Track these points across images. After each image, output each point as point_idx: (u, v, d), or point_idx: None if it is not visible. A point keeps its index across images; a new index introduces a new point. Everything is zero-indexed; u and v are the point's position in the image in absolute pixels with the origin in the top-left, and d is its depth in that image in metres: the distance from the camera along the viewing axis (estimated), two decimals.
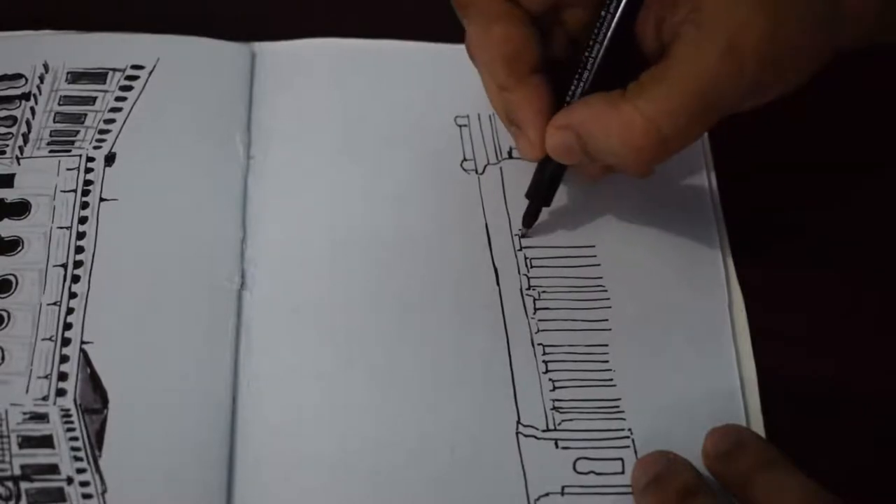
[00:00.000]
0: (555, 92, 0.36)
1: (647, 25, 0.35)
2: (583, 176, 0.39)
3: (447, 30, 0.39)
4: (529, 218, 0.39)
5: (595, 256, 0.39)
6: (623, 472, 0.35)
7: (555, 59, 0.37)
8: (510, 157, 0.41)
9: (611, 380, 0.37)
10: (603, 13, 0.35)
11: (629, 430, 0.35)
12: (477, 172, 0.41)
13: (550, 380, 0.36)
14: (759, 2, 0.33)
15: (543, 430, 0.35)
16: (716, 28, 0.33)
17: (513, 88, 0.36)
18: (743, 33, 0.33)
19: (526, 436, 0.35)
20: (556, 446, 0.35)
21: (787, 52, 0.34)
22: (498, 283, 0.38)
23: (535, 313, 0.38)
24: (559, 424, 0.36)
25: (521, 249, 0.39)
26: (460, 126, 0.42)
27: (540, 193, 0.38)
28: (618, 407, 0.36)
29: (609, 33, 0.35)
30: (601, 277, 0.39)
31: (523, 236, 0.39)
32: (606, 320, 0.38)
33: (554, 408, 0.36)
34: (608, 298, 0.38)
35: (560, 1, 0.37)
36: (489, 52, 0.36)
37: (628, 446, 0.35)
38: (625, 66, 0.35)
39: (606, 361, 0.37)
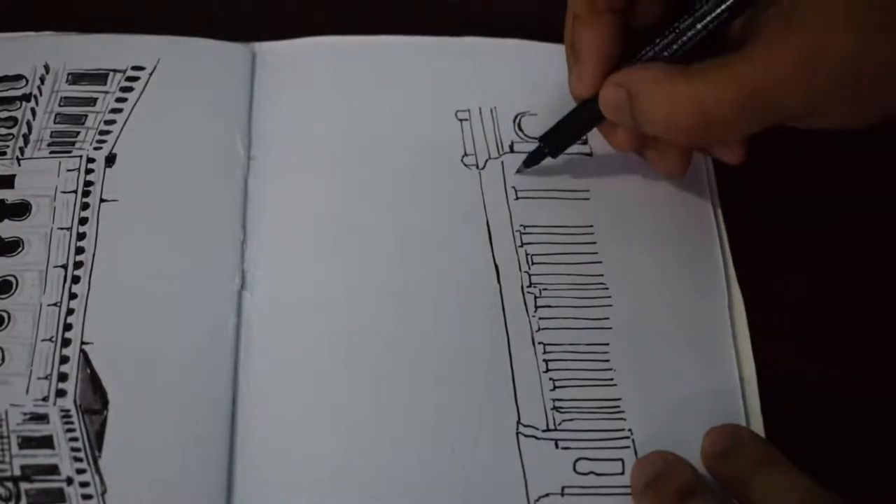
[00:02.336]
0: (624, 39, 0.36)
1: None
2: (611, 143, 0.38)
3: (447, 24, 0.39)
4: (532, 160, 0.39)
5: (596, 254, 0.39)
6: (623, 473, 0.34)
7: (641, 16, 0.37)
8: (511, 151, 0.41)
9: (611, 379, 0.36)
10: None
11: (629, 430, 0.35)
12: (478, 167, 0.41)
13: (551, 379, 0.36)
14: (853, 18, 0.32)
15: (544, 430, 0.35)
16: (800, 33, 0.32)
17: (584, 18, 0.36)
18: (826, 47, 0.32)
19: (526, 436, 0.35)
20: (557, 446, 0.35)
21: (867, 79, 0.32)
22: (499, 281, 0.38)
23: (535, 311, 0.38)
24: (559, 424, 0.35)
25: (521, 246, 0.39)
26: (461, 120, 0.42)
27: (556, 140, 0.39)
28: (618, 407, 0.36)
29: (710, 16, 0.35)
30: (602, 275, 0.38)
31: (518, 172, 0.40)
32: (607, 318, 0.37)
33: (554, 407, 0.36)
34: (609, 297, 0.38)
35: None
36: None
37: (628, 447, 0.35)
38: (703, 45, 0.35)
39: (607, 361, 0.37)
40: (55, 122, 0.41)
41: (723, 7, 0.35)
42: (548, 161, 0.40)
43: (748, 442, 0.34)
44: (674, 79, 0.34)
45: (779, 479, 0.32)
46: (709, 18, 0.35)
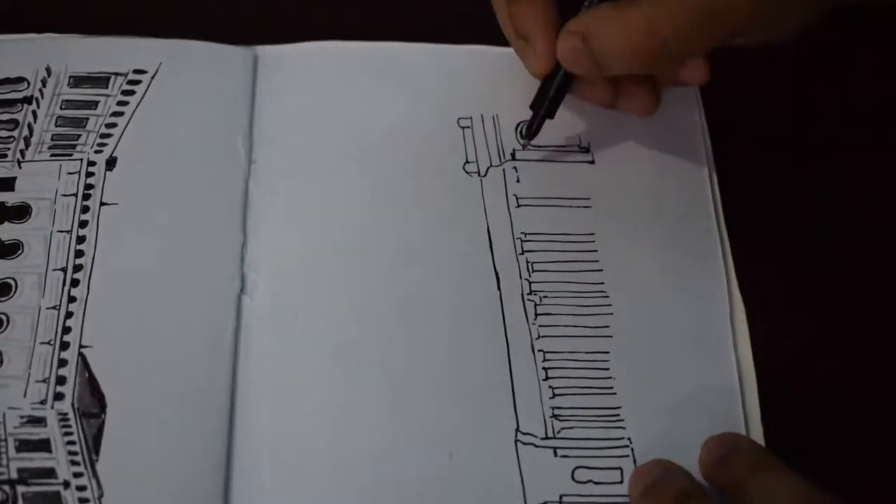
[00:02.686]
0: (559, 8, 0.38)
1: None
2: (592, 100, 0.40)
3: (449, 31, 0.39)
4: (531, 129, 0.40)
5: (597, 262, 0.39)
6: (622, 482, 0.34)
7: None
8: (513, 158, 0.41)
9: (611, 388, 0.36)
10: None
11: (628, 438, 0.35)
12: (479, 175, 0.41)
13: (550, 387, 0.36)
14: None
15: (542, 438, 0.35)
16: None
17: (521, 1, 0.38)
18: None
19: (525, 444, 0.35)
20: (555, 455, 0.35)
21: None
22: (499, 288, 0.38)
23: (535, 319, 0.37)
24: (558, 432, 0.35)
25: (522, 253, 0.39)
26: (463, 128, 0.42)
27: (545, 104, 0.39)
28: (618, 415, 0.36)
29: None
30: (603, 283, 0.38)
31: (523, 147, 0.40)
32: (608, 327, 0.37)
33: (553, 415, 0.36)
34: (609, 305, 0.38)
35: None
36: None
37: (627, 455, 0.35)
38: None
39: (607, 369, 0.36)
40: (56, 125, 0.41)
41: None
42: (549, 167, 0.39)
43: (745, 448, 0.34)
44: (624, 10, 0.36)
45: (776, 483, 0.32)
46: None
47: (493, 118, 0.42)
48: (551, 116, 0.40)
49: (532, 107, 0.40)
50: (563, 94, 0.39)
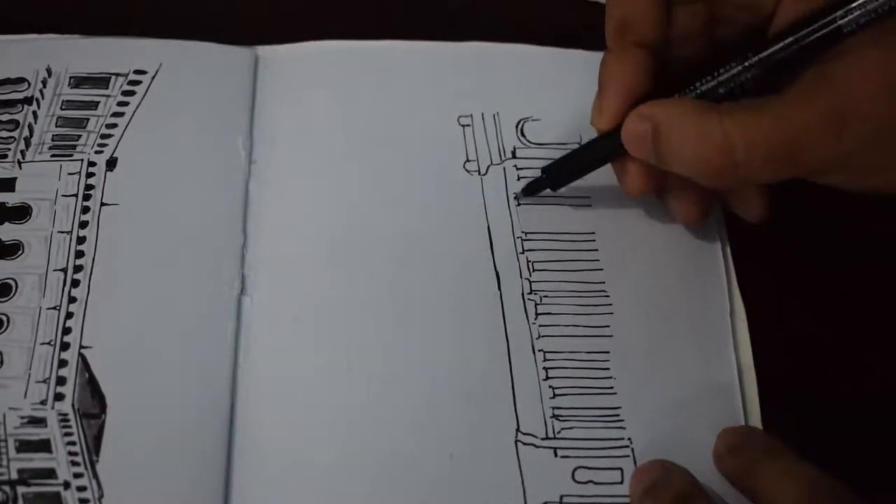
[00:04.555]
0: (653, 78, 0.36)
1: None
2: (623, 186, 0.37)
3: (450, 29, 0.38)
4: (533, 189, 0.39)
5: (598, 261, 0.39)
6: (622, 482, 0.34)
7: (679, 48, 0.36)
8: (513, 156, 0.41)
9: (611, 388, 0.36)
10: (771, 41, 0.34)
11: (629, 439, 0.35)
12: (479, 173, 0.41)
13: (551, 387, 0.36)
14: (887, 80, 0.32)
15: (542, 439, 0.35)
16: (833, 86, 0.32)
17: (613, 52, 0.36)
18: (857, 105, 0.32)
19: (525, 444, 0.35)
20: (556, 455, 0.35)
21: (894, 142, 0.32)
22: (499, 288, 0.38)
23: (536, 318, 0.37)
24: (558, 433, 0.35)
25: (523, 253, 0.39)
26: (463, 126, 0.42)
27: (560, 172, 0.38)
28: (618, 415, 0.36)
29: (757, 70, 0.34)
30: (603, 283, 0.38)
31: (517, 199, 0.39)
32: (608, 326, 0.37)
33: (554, 416, 0.36)
34: (610, 304, 0.38)
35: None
36: (610, 8, 0.36)
37: (628, 455, 0.35)
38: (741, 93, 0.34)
39: (607, 369, 0.36)
40: (57, 126, 0.41)
41: (767, 61, 0.34)
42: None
43: (755, 436, 0.34)
44: (705, 113, 0.33)
45: (786, 467, 0.32)
46: (754, 70, 0.34)
47: (494, 116, 0.42)
48: (555, 188, 0.38)
49: (545, 169, 0.38)
50: (588, 171, 0.38)
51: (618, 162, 0.37)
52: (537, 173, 0.40)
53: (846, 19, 0.33)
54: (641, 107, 0.35)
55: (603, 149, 0.37)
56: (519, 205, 0.39)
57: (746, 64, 0.34)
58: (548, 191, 0.39)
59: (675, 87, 0.35)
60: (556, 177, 0.38)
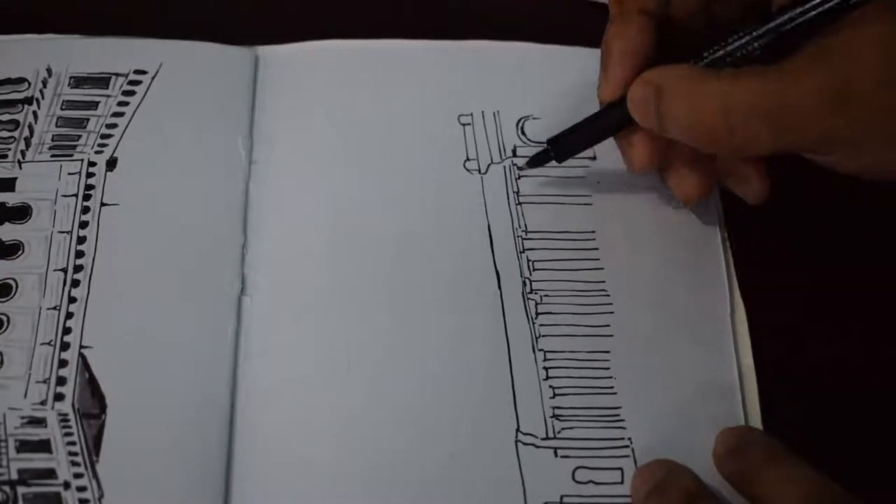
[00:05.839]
0: (657, 44, 0.35)
1: None
2: (627, 159, 0.37)
3: (449, 27, 0.38)
4: (536, 161, 0.38)
5: (598, 260, 0.38)
6: (622, 482, 0.34)
7: (678, 18, 0.36)
8: (514, 155, 0.41)
9: (612, 387, 0.36)
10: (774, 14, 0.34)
11: (629, 439, 0.35)
12: (480, 172, 0.41)
13: (551, 387, 0.36)
14: (887, 58, 0.32)
15: (543, 439, 0.35)
16: (833, 59, 0.32)
17: (616, 20, 0.36)
18: (854, 80, 0.32)
19: (525, 444, 0.35)
20: (556, 455, 0.35)
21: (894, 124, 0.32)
22: (499, 287, 0.38)
23: (536, 318, 0.37)
24: (559, 433, 0.35)
25: (523, 252, 0.39)
26: (463, 125, 0.41)
27: (565, 144, 0.37)
28: (618, 415, 0.35)
29: (763, 40, 0.34)
30: (604, 282, 0.38)
31: (520, 169, 0.39)
32: (608, 326, 0.37)
33: (554, 415, 0.35)
34: (611, 304, 0.38)
35: None
36: None
37: (628, 455, 0.35)
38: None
39: (608, 369, 0.36)
40: (57, 126, 0.41)
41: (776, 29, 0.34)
42: (550, 166, 0.39)
43: (757, 439, 0.34)
44: (703, 76, 0.34)
45: (787, 472, 0.32)
46: (761, 40, 0.34)
47: (494, 114, 0.41)
48: (560, 160, 0.38)
49: (550, 140, 0.38)
50: (593, 143, 0.37)
51: (623, 136, 0.37)
52: (538, 172, 0.40)
53: None
54: (646, 73, 0.35)
55: (609, 119, 0.36)
56: (520, 177, 0.39)
57: (754, 34, 0.34)
58: (548, 189, 0.39)
59: (683, 57, 0.35)
60: (561, 148, 0.38)
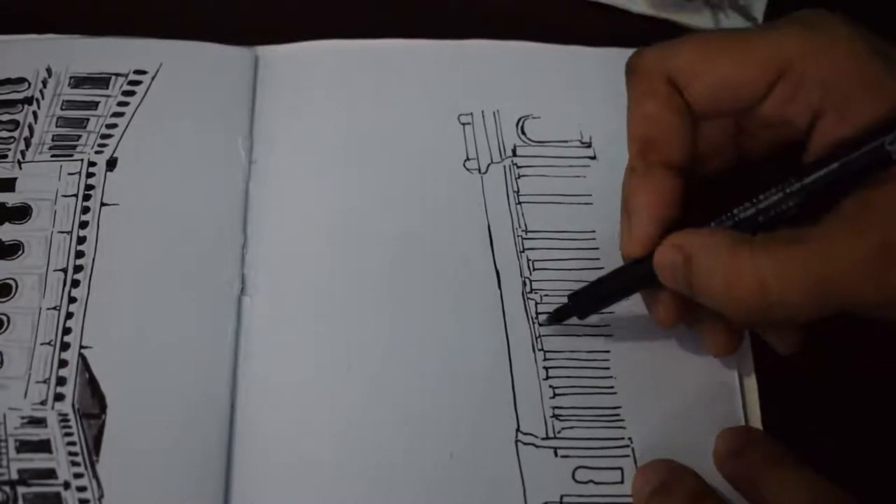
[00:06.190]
0: (682, 197, 0.33)
1: None
2: (653, 315, 0.35)
3: (449, 27, 0.38)
4: (559, 316, 0.36)
5: (598, 259, 0.38)
6: (622, 482, 0.34)
7: (713, 179, 0.34)
8: (514, 154, 0.41)
9: (612, 387, 0.36)
10: (811, 167, 0.31)
11: (629, 438, 0.35)
12: (480, 172, 0.41)
13: (551, 386, 0.36)
14: None
15: (543, 438, 0.35)
16: (880, 217, 0.30)
17: (638, 172, 0.33)
18: None
19: (525, 443, 0.35)
20: (556, 455, 0.35)
21: None
22: (499, 287, 0.38)
23: (536, 318, 0.37)
24: (559, 432, 0.35)
25: (523, 251, 0.39)
26: (463, 124, 0.41)
27: (588, 301, 0.35)
28: (618, 415, 0.35)
29: (798, 199, 0.31)
30: None
31: (541, 325, 0.36)
32: (608, 325, 0.37)
33: (554, 415, 0.35)
34: None
35: (731, 113, 0.33)
36: (632, 125, 0.34)
37: (628, 455, 0.35)
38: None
39: (608, 368, 0.36)
40: (57, 126, 0.41)
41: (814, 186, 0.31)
42: (550, 163, 0.39)
43: (758, 441, 0.34)
44: (737, 248, 0.31)
45: (790, 476, 0.32)
46: (796, 198, 0.31)
47: (494, 114, 0.41)
48: (582, 316, 0.36)
49: (571, 297, 0.35)
50: (615, 300, 0.35)
51: (648, 291, 0.35)
52: (538, 171, 0.40)
53: None
54: (674, 236, 0.33)
55: (633, 276, 0.34)
56: (540, 336, 0.36)
57: (788, 191, 0.32)
58: (549, 188, 0.39)
59: (711, 212, 0.33)
60: (582, 304, 0.35)
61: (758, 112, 0.33)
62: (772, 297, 0.30)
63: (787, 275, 0.30)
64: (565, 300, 0.36)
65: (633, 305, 0.37)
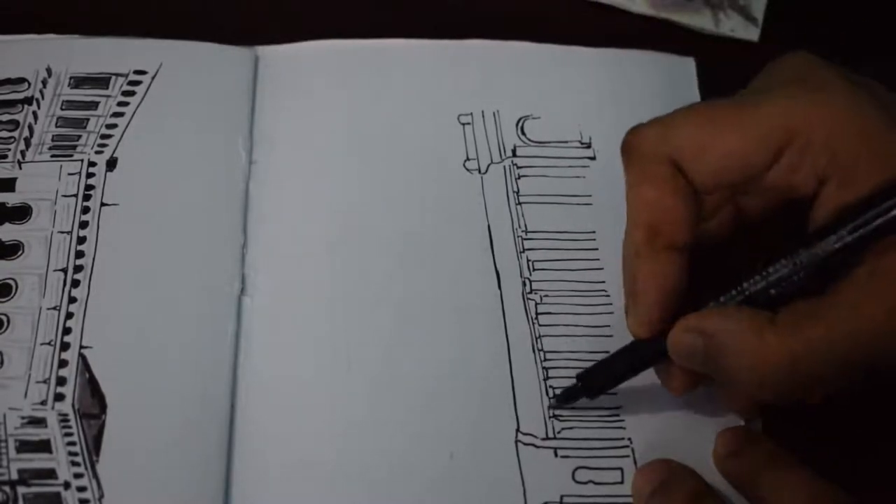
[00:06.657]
0: (687, 275, 0.33)
1: None
2: (666, 386, 0.34)
3: (449, 27, 0.38)
4: (567, 397, 0.35)
5: (598, 260, 0.38)
6: (622, 482, 0.34)
7: (712, 238, 0.34)
8: (514, 155, 0.41)
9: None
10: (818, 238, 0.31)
11: (629, 439, 0.35)
12: (480, 172, 0.41)
13: (551, 387, 0.36)
14: None
15: (543, 439, 0.35)
16: (890, 280, 0.30)
17: (643, 256, 0.33)
18: None
19: (525, 444, 0.35)
20: (556, 455, 0.35)
21: None
22: (499, 287, 0.38)
23: (536, 318, 0.37)
24: (559, 433, 0.35)
25: (523, 252, 0.39)
26: (463, 124, 0.41)
27: (597, 380, 0.35)
28: (618, 415, 0.35)
29: (808, 270, 0.31)
30: (604, 282, 0.38)
31: (551, 407, 0.35)
32: (609, 326, 0.37)
33: (554, 416, 0.35)
34: (611, 304, 0.37)
35: (736, 185, 0.33)
36: (633, 210, 0.33)
37: (628, 455, 0.35)
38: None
39: None
40: (57, 126, 0.41)
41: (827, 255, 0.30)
42: (550, 163, 0.39)
43: (758, 441, 0.34)
44: (762, 331, 0.31)
45: (789, 476, 0.32)
46: (807, 270, 0.31)
47: (494, 114, 0.42)
48: (592, 396, 0.35)
49: (580, 377, 0.35)
50: (626, 379, 0.34)
51: (659, 367, 0.34)
52: (538, 172, 0.40)
53: None
54: (689, 319, 0.32)
55: (643, 354, 0.34)
56: (552, 416, 0.35)
57: (797, 262, 0.31)
58: (549, 188, 0.39)
59: (720, 286, 0.32)
60: (592, 384, 0.35)
61: (762, 180, 0.32)
62: (801, 376, 0.30)
63: (815, 352, 0.30)
64: (564, 298, 0.36)
65: None
